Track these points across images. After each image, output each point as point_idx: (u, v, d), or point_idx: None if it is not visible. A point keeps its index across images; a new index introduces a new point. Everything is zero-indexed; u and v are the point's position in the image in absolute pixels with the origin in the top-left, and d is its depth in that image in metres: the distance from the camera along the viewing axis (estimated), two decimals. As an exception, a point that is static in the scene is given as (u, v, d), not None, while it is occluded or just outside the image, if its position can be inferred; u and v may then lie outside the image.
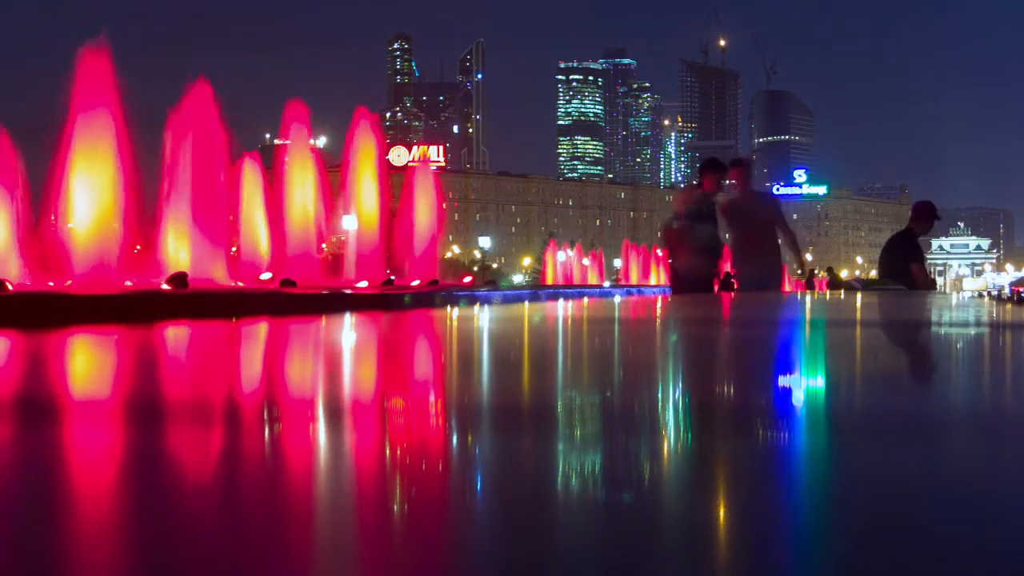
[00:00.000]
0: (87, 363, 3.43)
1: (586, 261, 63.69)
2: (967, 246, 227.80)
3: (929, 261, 12.56)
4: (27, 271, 14.15)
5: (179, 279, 11.18)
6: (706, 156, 12.26)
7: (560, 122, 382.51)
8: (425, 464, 1.34)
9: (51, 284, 12.42)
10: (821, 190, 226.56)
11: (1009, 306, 8.59)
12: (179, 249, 14.53)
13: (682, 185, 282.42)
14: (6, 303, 6.75)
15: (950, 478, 1.25)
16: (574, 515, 1.07)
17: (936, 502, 1.10)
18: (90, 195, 12.83)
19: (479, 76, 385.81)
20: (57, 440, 1.59)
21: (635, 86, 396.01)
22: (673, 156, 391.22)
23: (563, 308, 8.23)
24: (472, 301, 9.14)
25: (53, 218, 13.16)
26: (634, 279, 54.65)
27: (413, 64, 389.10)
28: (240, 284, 15.07)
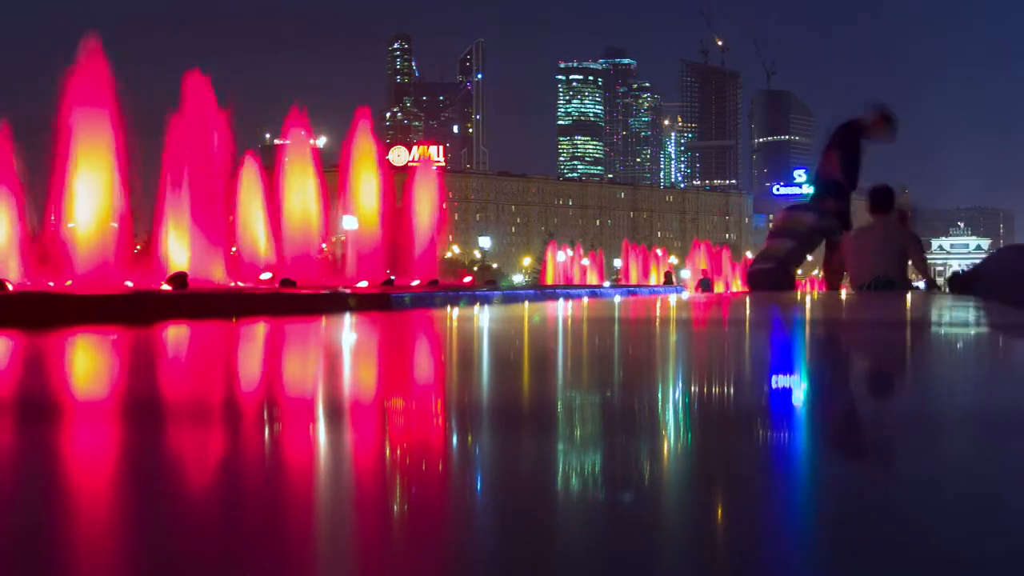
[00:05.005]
0: (87, 363, 3.43)
1: (586, 261, 63.66)
2: (967, 246, 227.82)
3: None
4: (27, 271, 14.16)
5: (179, 279, 11.16)
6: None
7: (560, 122, 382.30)
8: (426, 464, 1.34)
9: (51, 284, 12.41)
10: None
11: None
12: (179, 249, 14.52)
13: (683, 185, 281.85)
14: (6, 303, 6.74)
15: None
16: (584, 515, 1.07)
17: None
18: (90, 195, 12.82)
19: (479, 76, 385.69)
20: (58, 440, 1.59)
21: (635, 86, 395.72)
22: (673, 156, 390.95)
23: (563, 308, 8.23)
24: (472, 301, 9.14)
25: (53, 218, 13.15)
26: (634, 279, 54.64)
27: (413, 64, 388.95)
28: (240, 284, 15.05)
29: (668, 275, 41.00)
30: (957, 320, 5.66)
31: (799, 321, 5.92)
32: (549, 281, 53.79)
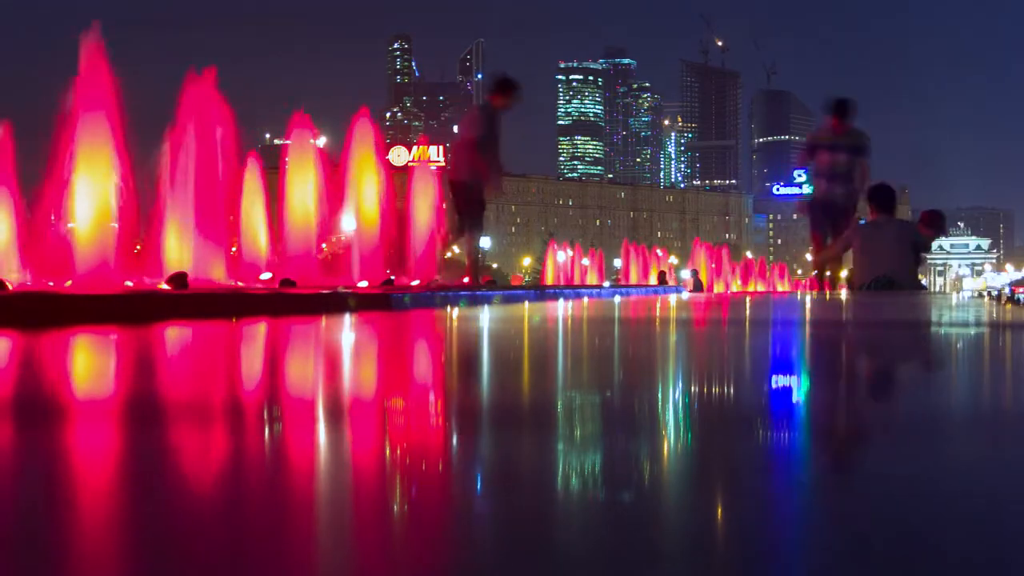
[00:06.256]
0: (87, 363, 3.43)
1: (586, 261, 63.63)
2: (967, 246, 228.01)
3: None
4: (27, 271, 14.16)
5: (179, 279, 11.15)
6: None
7: (560, 122, 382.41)
8: (426, 464, 1.34)
9: (51, 284, 12.41)
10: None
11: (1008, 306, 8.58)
12: (179, 249, 14.50)
13: (683, 185, 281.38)
14: (6, 303, 6.73)
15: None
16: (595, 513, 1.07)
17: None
18: (90, 195, 12.81)
19: (479, 76, 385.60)
20: (58, 440, 1.59)
21: (635, 86, 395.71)
22: (673, 156, 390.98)
23: (562, 308, 8.23)
24: (472, 301, 9.14)
25: (53, 218, 13.15)
26: (634, 279, 54.62)
27: (413, 64, 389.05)
28: (240, 284, 15.04)
29: (662, 275, 40.79)
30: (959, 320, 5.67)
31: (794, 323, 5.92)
32: (549, 281, 53.77)
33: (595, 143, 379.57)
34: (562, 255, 63.56)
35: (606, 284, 42.92)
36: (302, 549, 0.91)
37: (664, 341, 4.28)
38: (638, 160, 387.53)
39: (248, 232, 18.21)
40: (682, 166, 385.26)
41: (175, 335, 4.61)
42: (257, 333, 4.82)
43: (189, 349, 3.96)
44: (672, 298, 12.76)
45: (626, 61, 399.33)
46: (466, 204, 12.29)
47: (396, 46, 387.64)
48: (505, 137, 11.88)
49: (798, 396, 2.21)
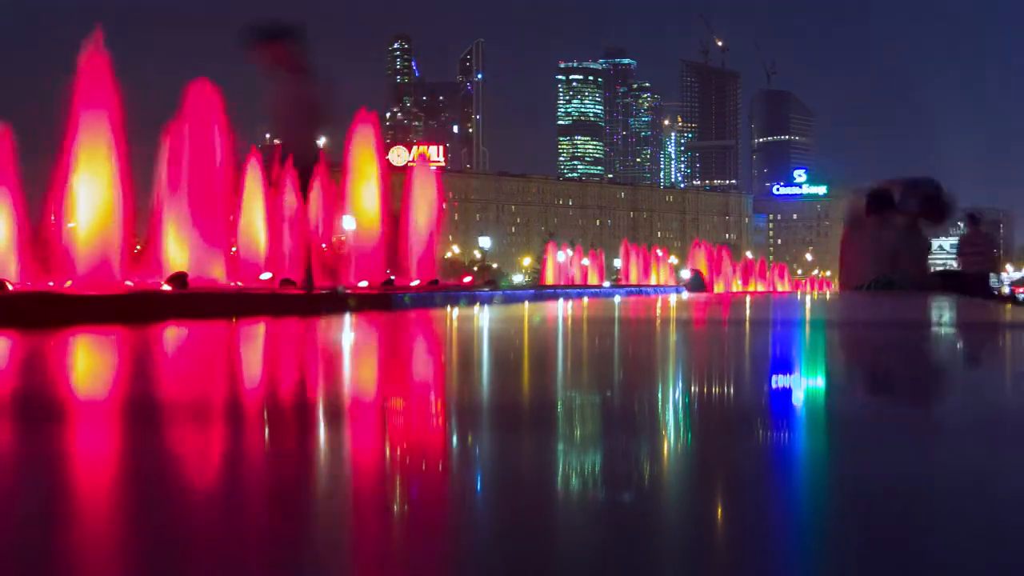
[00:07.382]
0: (87, 363, 3.43)
1: (586, 261, 63.59)
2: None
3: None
4: (27, 271, 14.13)
5: (179, 279, 11.15)
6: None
7: (560, 122, 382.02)
8: (426, 463, 1.34)
9: (51, 284, 12.41)
10: (821, 190, 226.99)
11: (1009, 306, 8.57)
12: (179, 249, 14.49)
13: (683, 185, 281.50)
14: (6, 303, 6.74)
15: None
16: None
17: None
18: (91, 195, 12.80)
19: (479, 76, 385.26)
20: (58, 440, 1.59)
21: (635, 86, 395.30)
22: (673, 156, 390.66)
23: (562, 308, 8.23)
24: (472, 301, 9.15)
25: (53, 218, 13.14)
26: (634, 279, 54.60)
27: (413, 64, 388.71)
28: (240, 284, 15.03)
29: (678, 274, 40.72)
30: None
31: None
32: (549, 281, 53.75)
33: (595, 143, 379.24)
34: (562, 255, 63.55)
35: (606, 284, 42.85)
36: (301, 548, 0.91)
37: (664, 342, 4.28)
38: (638, 160, 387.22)
39: (247, 232, 18.18)
40: (682, 166, 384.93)
41: (175, 335, 4.61)
42: (257, 333, 4.82)
43: (189, 349, 3.96)
44: (672, 298, 12.76)
45: (626, 61, 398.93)
46: None
47: (396, 46, 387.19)
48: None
49: (797, 396, 2.21)
